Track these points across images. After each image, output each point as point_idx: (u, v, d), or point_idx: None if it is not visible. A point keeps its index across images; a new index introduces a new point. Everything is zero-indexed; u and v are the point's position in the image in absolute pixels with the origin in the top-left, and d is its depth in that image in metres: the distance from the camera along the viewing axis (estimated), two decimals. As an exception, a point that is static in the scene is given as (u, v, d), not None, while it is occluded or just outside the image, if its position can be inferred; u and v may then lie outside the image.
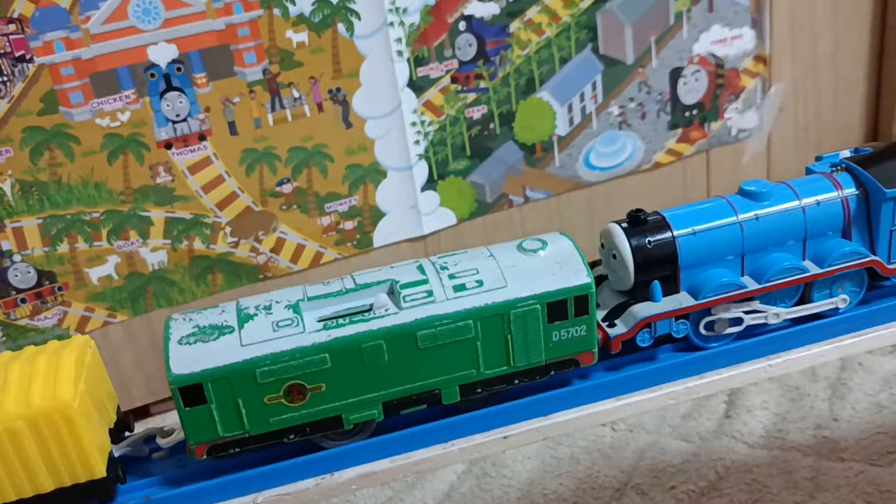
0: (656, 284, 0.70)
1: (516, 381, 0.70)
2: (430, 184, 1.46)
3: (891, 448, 1.13)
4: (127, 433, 0.76)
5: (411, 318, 0.67)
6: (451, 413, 0.72)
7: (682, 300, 0.71)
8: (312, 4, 1.30)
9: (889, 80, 1.70)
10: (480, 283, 0.69)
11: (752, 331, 0.74)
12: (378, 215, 1.45)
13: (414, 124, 1.41)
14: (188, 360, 0.66)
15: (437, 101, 1.41)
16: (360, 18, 1.32)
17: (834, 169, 0.75)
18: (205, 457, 0.68)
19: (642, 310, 0.70)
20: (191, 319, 0.67)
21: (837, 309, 0.74)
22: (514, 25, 1.41)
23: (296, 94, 1.33)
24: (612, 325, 0.70)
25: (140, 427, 0.80)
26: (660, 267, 0.71)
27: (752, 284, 0.71)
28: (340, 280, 0.70)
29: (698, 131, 1.61)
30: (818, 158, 0.79)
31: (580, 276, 0.67)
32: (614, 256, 0.71)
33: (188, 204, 1.34)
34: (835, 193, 0.72)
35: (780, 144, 1.69)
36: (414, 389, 0.69)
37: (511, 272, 0.67)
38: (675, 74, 1.55)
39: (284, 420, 0.68)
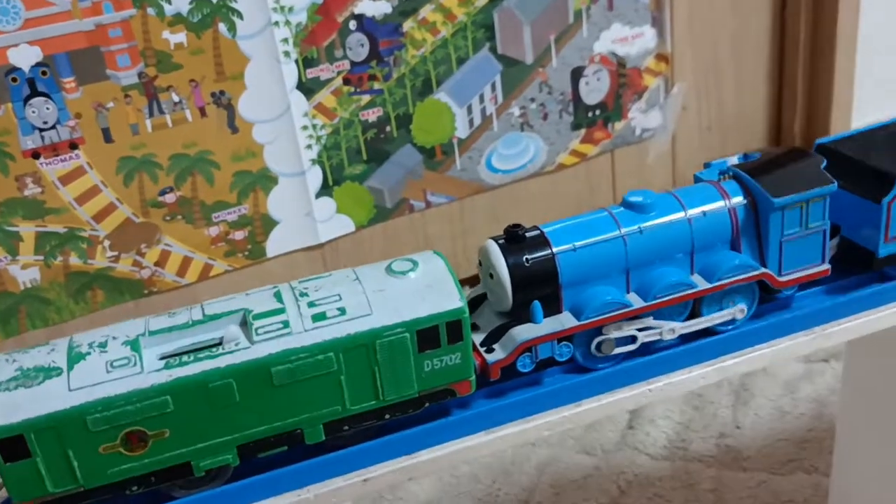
0: (536, 305, 0.67)
1: (387, 416, 0.64)
2: (325, 190, 1.39)
3: (792, 456, 1.12)
4: None
5: (264, 352, 0.60)
6: (314, 453, 0.65)
7: (565, 321, 0.67)
8: (190, 3, 1.21)
9: (790, 77, 1.70)
10: (343, 310, 0.61)
11: (646, 349, 0.70)
12: (270, 224, 1.38)
13: (305, 128, 1.34)
14: (7, 408, 0.57)
15: (329, 104, 1.35)
16: (242, 18, 1.25)
17: (721, 177, 0.71)
18: None
19: (522, 332, 0.66)
20: (14, 360, 0.59)
21: (734, 321, 0.70)
22: (408, 24, 1.36)
23: (176, 98, 1.25)
24: (490, 350, 0.66)
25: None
26: (540, 286, 0.67)
27: (637, 302, 0.67)
28: (188, 310, 0.62)
29: (602, 132, 1.58)
30: (706, 165, 0.76)
31: (452, 300, 0.61)
32: (491, 276, 0.66)
33: (61, 217, 1.24)
34: (722, 203, 0.69)
35: (685, 144, 1.67)
36: (271, 430, 0.62)
37: (377, 298, 0.62)
38: (577, 74, 1.51)
39: (124, 471, 0.60)
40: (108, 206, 1.27)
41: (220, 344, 0.61)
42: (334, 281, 0.64)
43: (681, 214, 0.69)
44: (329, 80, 1.34)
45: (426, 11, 1.36)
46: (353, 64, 1.35)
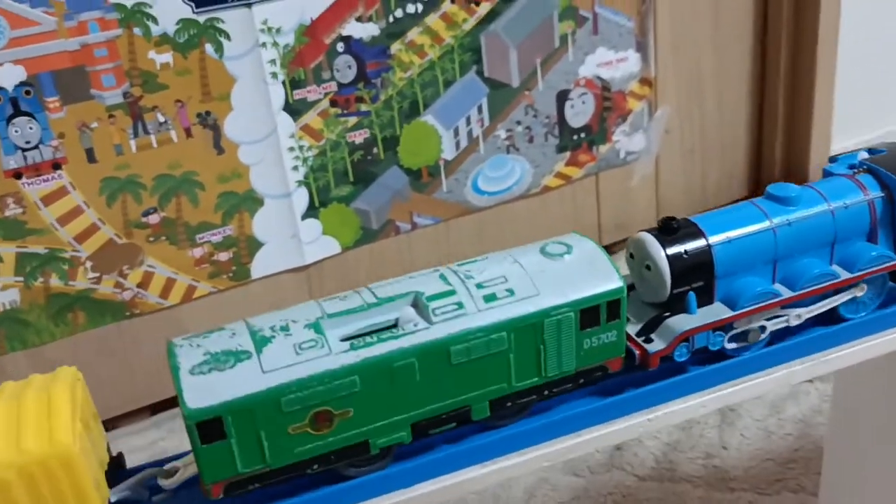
0: (692, 296, 0.68)
1: (546, 393, 0.66)
2: (311, 211, 1.39)
3: (778, 476, 1.12)
4: (119, 471, 0.67)
5: (444, 332, 0.61)
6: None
7: (720, 311, 0.68)
8: (177, 24, 1.21)
9: (771, 100, 1.73)
10: (511, 291, 0.63)
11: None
12: (256, 245, 1.37)
13: (292, 149, 1.34)
14: (205, 391, 0.58)
15: (315, 125, 1.35)
16: (229, 39, 1.25)
17: (854, 171, 0.74)
18: (221, 496, 0.60)
19: (681, 323, 0.67)
20: (199, 345, 0.60)
21: (860, 306, 0.72)
22: (395, 47, 1.36)
23: (161, 119, 1.25)
24: (648, 341, 0.67)
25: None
26: (696, 277, 0.68)
27: (785, 292, 0.69)
28: (358, 293, 0.64)
29: (587, 154, 1.59)
30: (832, 159, 0.78)
31: (612, 281, 0.63)
32: (648, 267, 0.68)
33: (42, 238, 1.23)
34: (861, 196, 0.72)
35: (668, 166, 1.69)
36: (444, 408, 0.63)
37: (540, 279, 0.64)
38: (562, 97, 1.53)
39: (309, 450, 0.61)
40: (90, 227, 1.25)
41: (395, 325, 0.62)
42: (494, 263, 0.66)
43: (824, 207, 0.71)
44: (316, 102, 1.34)
45: (414, 34, 1.37)
46: (340, 86, 1.35)
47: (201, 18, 1.22)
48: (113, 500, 0.63)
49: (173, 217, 1.30)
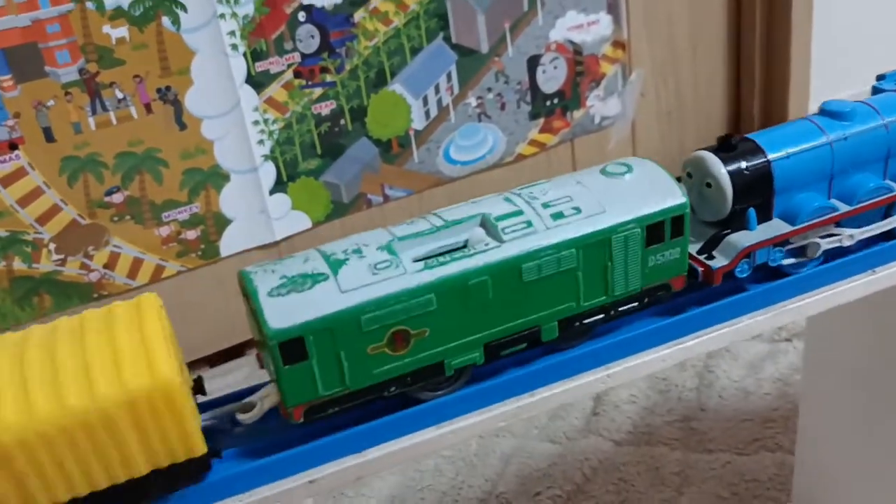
0: (752, 212, 0.69)
1: (612, 312, 0.66)
2: (279, 186, 1.37)
3: (756, 435, 1.10)
4: (199, 397, 0.66)
5: (515, 250, 0.61)
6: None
7: (780, 227, 0.69)
8: (131, -4, 1.19)
9: (747, 60, 1.70)
10: (578, 209, 0.63)
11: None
12: (224, 222, 1.35)
13: (256, 123, 1.31)
14: (285, 312, 0.58)
15: (280, 98, 1.32)
16: (186, 11, 1.22)
17: None
18: (302, 420, 0.61)
19: (743, 239, 0.68)
20: (273, 270, 0.60)
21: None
22: (359, 15, 1.33)
23: (119, 95, 1.22)
24: (710, 258, 0.68)
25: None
26: (756, 193, 0.68)
27: (843, 207, 0.70)
28: (424, 218, 0.64)
29: (561, 120, 1.56)
30: (880, 77, 0.79)
31: (675, 196, 0.64)
32: (708, 185, 0.68)
33: (3, 220, 1.21)
34: None
35: (645, 130, 1.66)
36: (515, 328, 0.64)
37: (605, 197, 0.64)
38: (533, 63, 1.50)
39: (387, 371, 0.61)
40: (52, 208, 1.23)
41: (465, 246, 0.62)
42: (558, 185, 0.66)
43: (879, 122, 0.71)
44: (279, 74, 1.31)
45: (377, 1, 1.34)
46: (303, 56, 1.32)
47: (156, -10, 1.20)
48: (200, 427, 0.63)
49: (137, 196, 1.27)
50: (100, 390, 0.55)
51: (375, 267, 0.60)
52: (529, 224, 0.61)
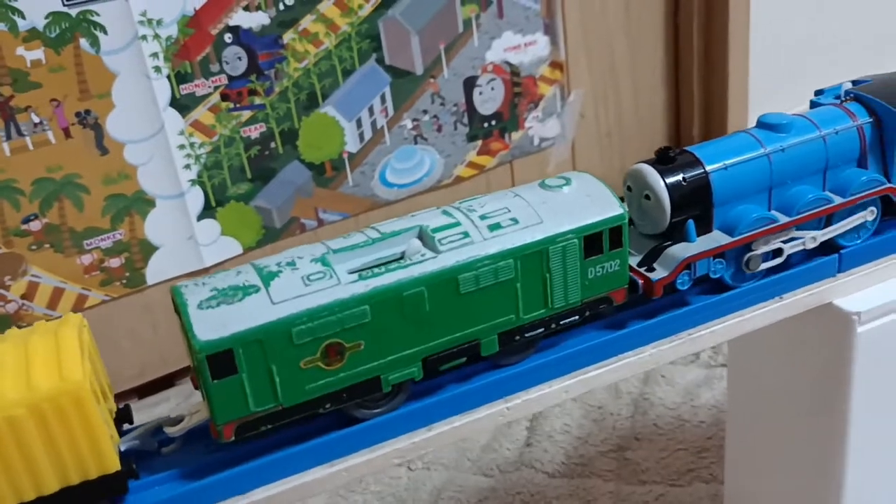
0: (691, 224, 0.69)
1: (553, 326, 0.66)
2: (207, 211, 1.33)
3: (691, 465, 1.09)
4: (126, 426, 0.64)
5: (452, 260, 0.61)
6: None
7: (719, 238, 0.69)
8: (46, 17, 1.14)
9: (686, 79, 1.70)
10: (515, 220, 0.63)
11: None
12: (149, 249, 1.30)
13: (182, 147, 1.28)
14: (214, 324, 0.56)
15: (206, 121, 1.28)
16: (106, 32, 1.18)
17: (842, 100, 0.76)
18: (233, 438, 0.59)
19: (682, 251, 0.68)
20: (204, 284, 0.58)
21: (862, 230, 0.75)
22: (288, 36, 1.30)
23: (36, 119, 1.17)
24: (650, 270, 0.68)
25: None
26: (695, 205, 0.69)
27: (782, 218, 0.71)
28: (361, 232, 0.63)
29: (499, 142, 1.55)
30: (818, 92, 0.80)
31: (613, 208, 0.64)
32: (647, 197, 0.68)
33: (-89, 251, 1.15)
34: (850, 123, 0.74)
35: (585, 151, 1.65)
36: (454, 341, 0.63)
37: (543, 209, 0.64)
38: (470, 84, 1.48)
39: (321, 386, 0.59)
40: (-35, 237, 1.18)
41: (402, 258, 0.61)
42: (496, 198, 0.66)
43: (816, 134, 0.72)
44: (206, 96, 1.27)
45: (307, 22, 1.31)
46: (230, 78, 1.28)
47: (73, 11, 1.15)
48: (122, 448, 0.61)
49: (57, 223, 1.22)
50: (6, 394, 0.54)
51: (308, 278, 0.58)
52: (466, 235, 0.61)
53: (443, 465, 1.15)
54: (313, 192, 1.41)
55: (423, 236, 0.62)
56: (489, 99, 1.51)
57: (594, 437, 1.15)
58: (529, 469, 1.11)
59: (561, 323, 0.65)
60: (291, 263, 0.59)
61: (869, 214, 0.74)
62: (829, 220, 0.73)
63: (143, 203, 1.28)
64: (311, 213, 1.42)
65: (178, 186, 1.29)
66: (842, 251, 0.72)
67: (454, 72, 1.46)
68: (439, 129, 1.48)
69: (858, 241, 0.74)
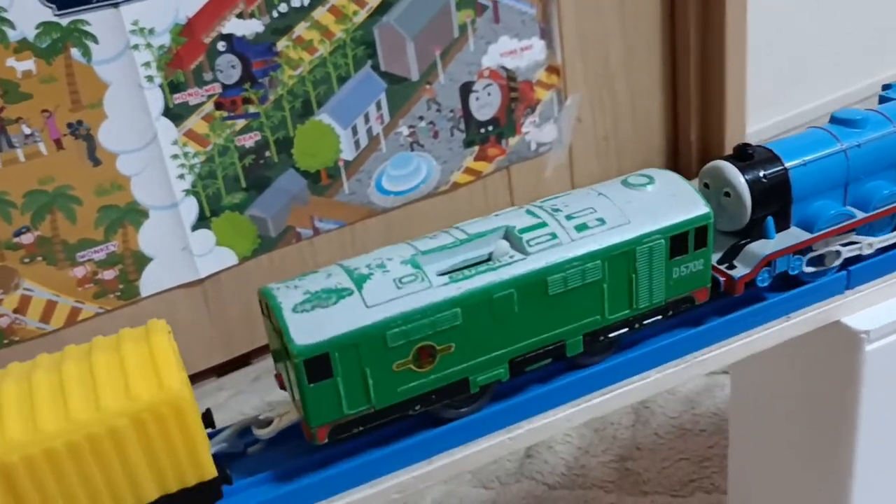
0: (770, 221, 0.69)
1: (636, 326, 0.65)
2: (202, 222, 1.31)
3: (692, 476, 1.07)
4: (209, 430, 0.63)
5: (541, 262, 0.61)
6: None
7: (799, 234, 0.69)
8: (37, 28, 1.13)
9: (683, 83, 1.69)
10: (602, 220, 0.62)
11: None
12: (143, 261, 1.29)
13: (176, 157, 1.26)
14: (310, 328, 0.56)
15: (200, 130, 1.27)
16: (97, 42, 1.16)
17: None
18: (326, 440, 0.59)
19: (763, 247, 0.68)
20: (296, 286, 0.58)
21: None
22: (282, 44, 1.29)
23: (27, 131, 1.16)
24: (731, 267, 0.68)
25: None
26: (774, 201, 0.69)
27: (858, 213, 0.71)
28: (447, 232, 0.63)
29: (496, 148, 1.53)
30: (886, 87, 0.80)
31: (699, 207, 0.63)
32: (727, 194, 0.68)
33: None
34: None
35: (582, 155, 1.64)
36: (540, 342, 0.63)
37: (629, 208, 0.63)
38: (466, 90, 1.47)
39: (412, 388, 0.60)
40: (-44, 251, 1.16)
41: (489, 259, 0.61)
42: (579, 197, 0.65)
43: (891, 129, 0.72)
44: (199, 105, 1.26)
45: (301, 30, 1.30)
46: (224, 87, 1.27)
47: (64, 21, 1.14)
48: (210, 452, 0.60)
49: (49, 235, 1.21)
50: (106, 403, 0.54)
51: (400, 281, 0.58)
52: (554, 236, 0.61)
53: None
54: (309, 200, 1.39)
55: (510, 237, 0.61)
56: (486, 104, 1.49)
57: (595, 447, 1.14)
58: (530, 481, 1.10)
59: (644, 322, 0.65)
60: (381, 266, 0.59)
61: None
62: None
63: (137, 214, 1.26)
64: (307, 222, 1.40)
65: (172, 197, 1.28)
66: (850, 268, 0.71)
67: (450, 77, 1.44)
68: (436, 136, 1.46)
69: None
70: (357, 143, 1.40)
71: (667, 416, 1.18)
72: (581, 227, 0.61)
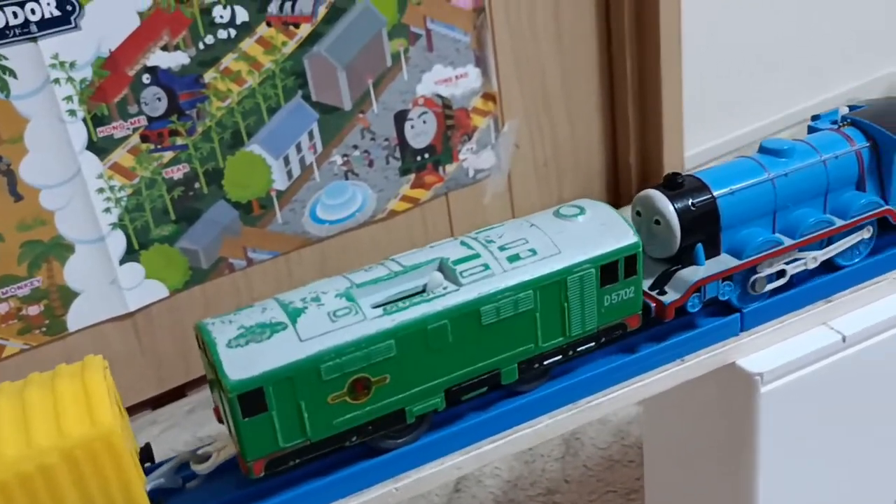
0: (699, 248, 0.71)
1: (570, 353, 0.67)
2: (130, 255, 1.29)
3: (618, 508, 1.07)
4: (147, 465, 0.64)
5: (474, 293, 0.62)
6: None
7: (728, 261, 0.71)
8: (-48, 62, 1.11)
9: (621, 108, 1.70)
10: (534, 251, 0.64)
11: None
12: (70, 295, 1.27)
13: (101, 190, 1.24)
14: (244, 363, 0.57)
15: (126, 163, 1.25)
16: (16, 76, 1.15)
17: (839, 125, 0.79)
18: (262, 474, 0.60)
19: (692, 274, 0.70)
20: (230, 321, 0.60)
21: (859, 247, 0.78)
22: (210, 75, 1.28)
23: (-57, 167, 1.14)
24: (662, 293, 0.70)
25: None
26: (703, 229, 0.71)
27: (787, 240, 0.73)
28: (382, 264, 0.65)
29: (433, 175, 1.53)
30: (815, 118, 0.82)
31: (628, 236, 0.66)
32: (657, 222, 0.70)
33: None
34: (849, 147, 0.76)
35: (522, 182, 1.64)
36: (475, 372, 0.64)
37: (559, 239, 0.65)
38: (401, 118, 1.46)
39: (347, 420, 0.61)
40: None
41: (424, 291, 0.62)
42: (512, 228, 0.67)
43: (817, 158, 0.74)
44: (125, 138, 1.24)
45: (229, 61, 1.29)
46: (150, 119, 1.26)
47: (-20, 56, 1.12)
48: (147, 488, 0.61)
49: (-31, 272, 1.19)
50: (38, 441, 0.54)
51: (334, 314, 0.59)
52: (487, 267, 0.62)
53: (370, 513, 1.12)
54: (241, 231, 1.38)
55: (444, 269, 0.63)
56: (421, 132, 1.49)
57: (523, 480, 1.14)
58: (457, 516, 1.09)
59: (577, 349, 0.66)
60: (316, 299, 0.60)
61: (866, 233, 0.77)
62: (829, 240, 0.75)
63: (62, 248, 1.24)
64: (240, 253, 1.39)
65: (98, 230, 1.26)
66: (744, 310, 0.72)
67: (384, 106, 1.44)
68: (371, 164, 1.46)
69: (857, 260, 0.77)
70: (289, 173, 1.39)
71: (597, 447, 1.18)
72: (513, 258, 0.63)
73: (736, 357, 0.71)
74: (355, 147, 1.44)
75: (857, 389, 0.75)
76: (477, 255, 0.63)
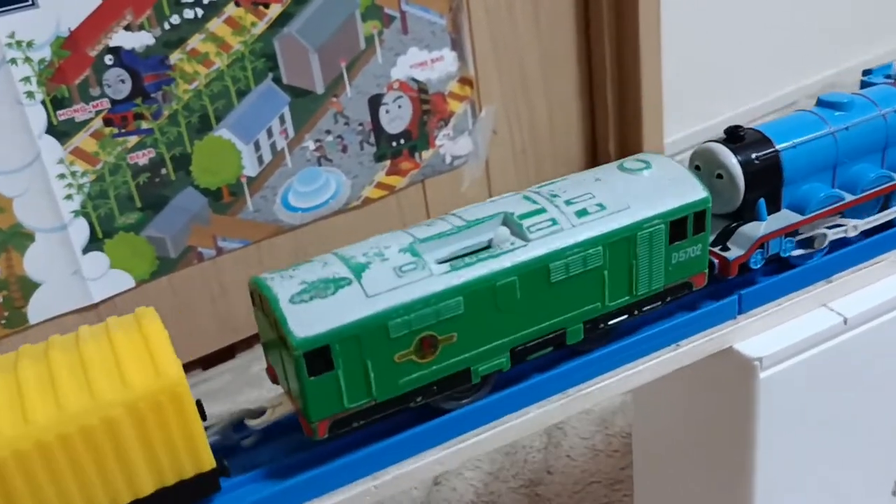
0: (762, 203, 0.68)
1: (636, 312, 0.64)
2: (93, 244, 1.24)
3: (603, 500, 1.04)
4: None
5: (542, 249, 0.60)
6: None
7: (790, 216, 0.69)
8: None
9: (600, 93, 1.67)
10: (602, 206, 0.62)
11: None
12: (30, 286, 1.22)
13: (62, 176, 1.19)
14: (310, 319, 0.54)
15: (88, 148, 1.20)
16: (-30, 56, 1.09)
17: (894, 79, 0.77)
18: (327, 435, 0.57)
19: (756, 229, 0.68)
20: (291, 276, 0.56)
21: None
22: (176, 57, 1.23)
23: None
24: (725, 249, 0.68)
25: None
26: (766, 183, 0.69)
27: (847, 196, 0.71)
28: (443, 219, 0.62)
29: (409, 162, 1.49)
30: (867, 72, 0.80)
31: (697, 191, 0.63)
32: (720, 176, 0.68)
33: None
34: None
35: (500, 168, 1.61)
36: (541, 331, 0.62)
37: (627, 193, 0.63)
38: (375, 102, 1.42)
39: (413, 380, 0.58)
40: None
41: (489, 246, 0.60)
42: (576, 182, 0.64)
43: (877, 112, 0.72)
44: (87, 122, 1.19)
45: (196, 42, 1.24)
46: (113, 102, 1.20)
47: (-69, 34, 1.07)
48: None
49: (-78, 262, 1.13)
50: (101, 393, 0.52)
51: (400, 270, 0.57)
52: (554, 222, 0.60)
53: (346, 508, 1.08)
54: (210, 219, 1.33)
55: (510, 223, 0.60)
56: (396, 117, 1.45)
57: (505, 471, 1.10)
58: (437, 510, 1.05)
59: (643, 309, 0.64)
60: (379, 254, 0.58)
61: None
62: (887, 199, 0.73)
63: (21, 237, 1.19)
64: (209, 242, 1.34)
65: (60, 218, 1.21)
66: (741, 292, 0.69)
67: (358, 90, 1.40)
68: (344, 150, 1.42)
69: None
70: (260, 159, 1.35)
71: (579, 437, 1.14)
72: (581, 213, 0.60)
73: (733, 341, 0.67)
74: (328, 132, 1.39)
75: (859, 373, 0.73)
76: (543, 210, 0.61)
